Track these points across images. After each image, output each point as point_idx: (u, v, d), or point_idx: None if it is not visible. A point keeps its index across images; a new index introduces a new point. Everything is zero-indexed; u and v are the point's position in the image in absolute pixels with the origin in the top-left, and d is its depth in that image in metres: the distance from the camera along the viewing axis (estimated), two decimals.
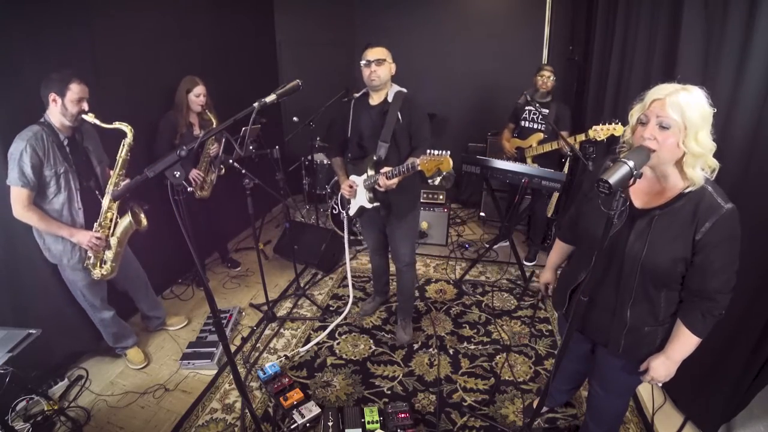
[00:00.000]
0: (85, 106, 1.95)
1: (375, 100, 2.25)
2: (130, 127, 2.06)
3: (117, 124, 2.02)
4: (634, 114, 1.20)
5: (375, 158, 2.22)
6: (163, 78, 2.93)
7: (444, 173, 1.91)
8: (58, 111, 1.92)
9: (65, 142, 1.98)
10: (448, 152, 1.88)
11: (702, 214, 1.13)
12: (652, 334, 1.31)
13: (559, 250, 1.74)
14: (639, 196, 1.28)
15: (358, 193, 2.37)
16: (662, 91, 1.13)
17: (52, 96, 1.89)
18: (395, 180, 2.09)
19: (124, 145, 2.07)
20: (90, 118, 1.95)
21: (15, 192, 1.87)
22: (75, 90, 1.90)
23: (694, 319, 1.23)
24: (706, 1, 2.04)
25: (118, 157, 2.08)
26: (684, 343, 1.25)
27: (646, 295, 1.27)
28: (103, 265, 2.13)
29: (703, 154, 1.11)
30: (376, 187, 2.18)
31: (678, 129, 1.10)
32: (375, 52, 2.13)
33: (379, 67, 2.13)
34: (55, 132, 1.94)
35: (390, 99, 2.21)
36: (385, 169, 2.12)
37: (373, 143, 2.23)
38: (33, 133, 1.86)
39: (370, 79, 2.15)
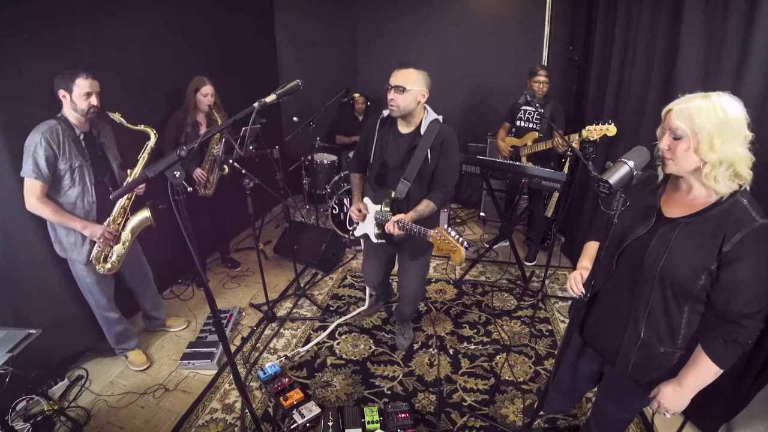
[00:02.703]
0: (94, 100, 1.96)
1: (405, 128, 2.02)
2: (154, 131, 2.11)
3: (142, 127, 2.07)
4: (659, 129, 1.19)
5: (393, 196, 2.02)
6: (164, 77, 2.93)
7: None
8: (69, 107, 1.96)
9: (81, 137, 2.01)
10: (466, 244, 1.74)
11: (731, 226, 1.06)
12: (666, 357, 1.23)
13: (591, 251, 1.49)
14: (672, 206, 1.22)
15: (367, 219, 2.20)
16: (674, 102, 1.13)
17: (62, 92, 1.93)
18: (403, 232, 1.92)
19: (147, 147, 2.12)
20: (117, 117, 2.01)
21: (28, 184, 1.89)
22: (81, 85, 1.91)
23: (715, 344, 1.13)
24: (707, 1, 2.04)
25: (139, 157, 2.12)
26: (701, 370, 1.15)
27: (665, 310, 1.19)
28: (108, 260, 2.15)
29: (723, 162, 1.04)
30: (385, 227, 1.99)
31: (688, 138, 1.07)
32: (398, 77, 1.87)
33: (398, 96, 1.87)
34: (71, 126, 1.98)
35: (423, 131, 1.95)
36: (397, 216, 1.94)
37: (395, 176, 2.02)
38: (48, 127, 1.90)
39: (389, 105, 1.92)
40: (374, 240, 2.17)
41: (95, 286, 2.19)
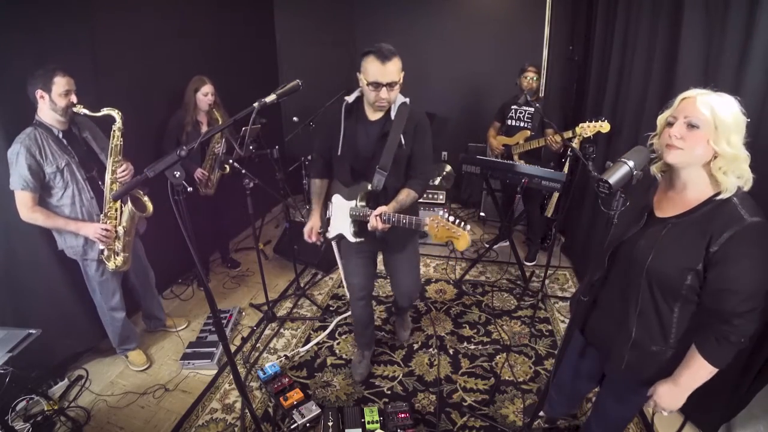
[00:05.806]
0: (74, 98, 1.92)
1: (374, 114, 1.82)
2: (118, 111, 2.00)
3: (105, 111, 1.98)
4: (662, 119, 1.16)
5: (370, 188, 1.81)
6: (164, 77, 2.93)
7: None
8: (48, 107, 1.90)
9: (60, 136, 1.97)
10: (468, 227, 1.55)
11: (718, 225, 1.05)
12: (660, 356, 1.22)
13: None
14: (664, 205, 1.22)
15: (338, 217, 1.95)
16: (692, 91, 1.10)
17: (39, 92, 1.87)
18: (389, 225, 1.70)
19: (114, 130, 2.02)
20: (78, 108, 1.94)
21: (18, 195, 1.88)
22: (60, 83, 1.86)
23: (708, 344, 1.12)
24: (707, 1, 2.04)
25: (110, 144, 2.04)
26: (696, 369, 1.14)
27: (655, 309, 1.19)
28: (116, 257, 2.12)
29: (737, 158, 1.04)
30: (366, 221, 1.75)
31: (708, 128, 1.04)
32: (392, 72, 1.64)
33: (392, 92, 1.69)
34: (48, 128, 1.93)
35: (393, 115, 1.78)
36: (381, 209, 1.69)
37: (367, 168, 1.82)
38: (26, 135, 1.87)
39: (378, 104, 1.73)
40: (352, 239, 1.91)
41: (107, 284, 2.19)
